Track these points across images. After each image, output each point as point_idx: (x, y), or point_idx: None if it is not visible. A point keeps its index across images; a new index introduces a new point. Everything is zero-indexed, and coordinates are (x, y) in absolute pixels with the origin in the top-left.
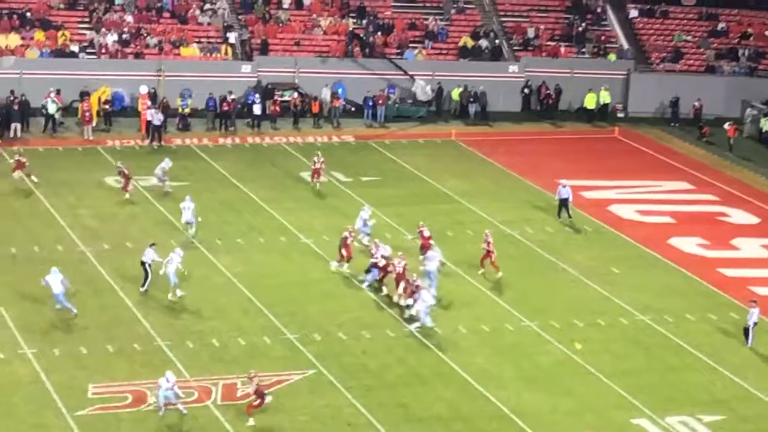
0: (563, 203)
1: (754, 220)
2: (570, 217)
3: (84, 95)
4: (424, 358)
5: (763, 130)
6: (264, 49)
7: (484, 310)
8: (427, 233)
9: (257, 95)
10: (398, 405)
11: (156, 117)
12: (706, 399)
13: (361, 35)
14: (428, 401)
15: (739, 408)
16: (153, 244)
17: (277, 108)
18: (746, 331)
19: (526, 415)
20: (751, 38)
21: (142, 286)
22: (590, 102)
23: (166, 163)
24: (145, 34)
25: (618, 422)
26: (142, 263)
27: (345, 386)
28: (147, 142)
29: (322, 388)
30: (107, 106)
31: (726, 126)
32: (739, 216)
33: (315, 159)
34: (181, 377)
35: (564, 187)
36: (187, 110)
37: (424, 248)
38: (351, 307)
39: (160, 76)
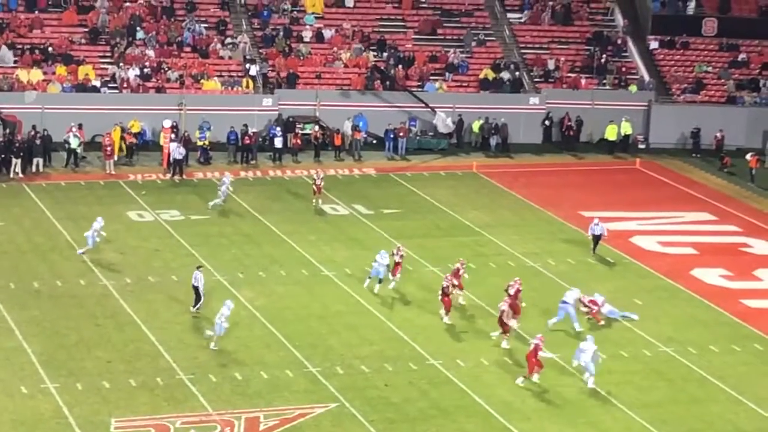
0: (596, 239)
1: None
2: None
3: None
4: (446, 391)
5: None
6: (292, 81)
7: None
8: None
9: (279, 128)
10: None
11: (178, 151)
12: (730, 430)
13: (383, 68)
14: None
15: None
16: (200, 267)
17: (299, 141)
18: None
19: None
20: None
21: (194, 306)
22: (611, 133)
23: (99, 223)
24: (166, 68)
25: None
26: (194, 287)
27: (367, 419)
28: (169, 176)
29: (345, 422)
30: (134, 140)
31: (748, 157)
32: (761, 246)
33: (315, 176)
34: (204, 410)
35: (597, 224)
36: (206, 142)
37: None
38: (373, 340)
39: (181, 109)
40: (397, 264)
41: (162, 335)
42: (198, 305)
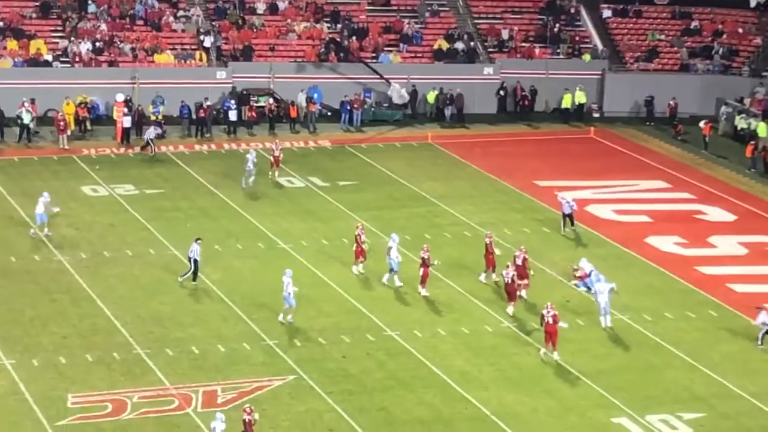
0: (569, 217)
1: (730, 217)
2: (573, 227)
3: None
4: (404, 362)
5: (738, 128)
6: (247, 54)
7: (464, 313)
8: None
9: (233, 101)
10: (379, 409)
11: (152, 132)
12: (686, 397)
13: (337, 39)
14: (409, 405)
15: (718, 405)
16: (198, 239)
17: (254, 114)
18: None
19: (507, 417)
20: (724, 36)
21: (183, 276)
22: (566, 102)
23: (45, 198)
24: (118, 42)
25: (599, 421)
26: (189, 258)
27: (325, 391)
28: (123, 149)
29: (303, 394)
30: (86, 113)
31: (701, 124)
32: (715, 214)
33: (273, 147)
34: (161, 385)
35: (567, 202)
36: (159, 116)
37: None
38: (330, 312)
39: (134, 83)
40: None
41: (118, 310)
42: (187, 275)
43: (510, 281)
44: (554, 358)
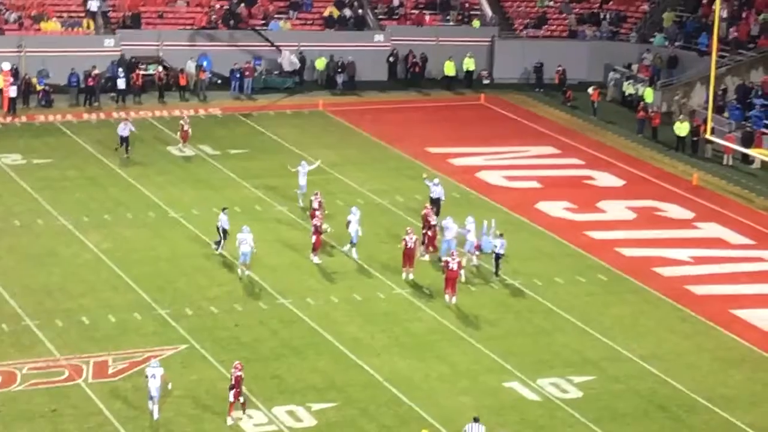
0: (435, 202)
1: (618, 182)
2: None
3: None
4: (297, 330)
5: (626, 94)
6: (135, 22)
7: (356, 280)
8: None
9: (121, 69)
10: (272, 377)
11: (125, 128)
12: (577, 360)
13: (227, 7)
14: (302, 372)
15: (608, 368)
16: (225, 209)
17: (139, 81)
18: None
19: (399, 383)
20: (612, 2)
21: (219, 248)
22: (449, 69)
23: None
24: (4, 10)
25: (490, 386)
26: (217, 228)
27: (218, 360)
28: (9, 119)
29: (195, 363)
30: None
31: (590, 90)
32: (604, 179)
33: (182, 122)
34: (51, 356)
35: (436, 185)
36: (45, 87)
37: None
38: (222, 281)
39: (21, 52)
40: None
41: (6, 281)
42: (221, 245)
43: (413, 245)
44: (454, 302)
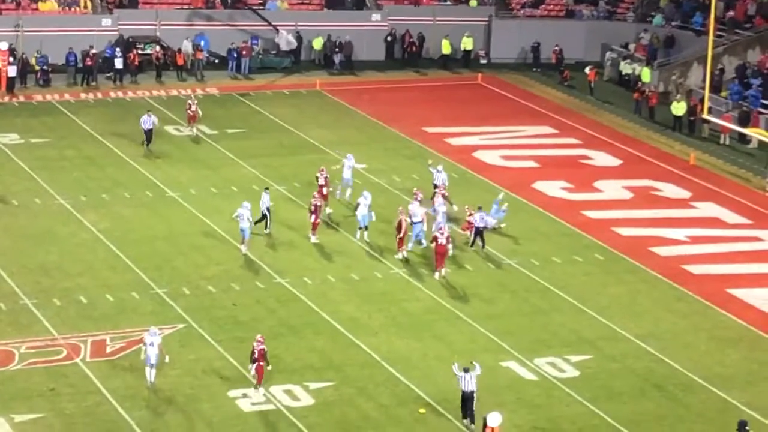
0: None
1: (615, 162)
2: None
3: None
4: (294, 309)
5: (623, 73)
6: (133, 1)
7: (354, 259)
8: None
9: (118, 49)
10: (270, 356)
11: (149, 121)
12: (573, 340)
13: None
14: (300, 351)
15: (605, 347)
16: (267, 189)
17: (136, 61)
18: None
19: (397, 362)
20: None
21: (266, 228)
22: (446, 48)
23: None
24: None
25: (487, 365)
26: (265, 209)
27: (215, 339)
28: (8, 98)
29: (193, 342)
30: None
31: (587, 70)
32: (601, 158)
33: (190, 102)
34: (49, 335)
35: (439, 172)
36: (44, 67)
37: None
38: (219, 260)
39: (18, 31)
40: (321, 187)
41: (4, 260)
42: (269, 225)
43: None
44: (443, 275)
